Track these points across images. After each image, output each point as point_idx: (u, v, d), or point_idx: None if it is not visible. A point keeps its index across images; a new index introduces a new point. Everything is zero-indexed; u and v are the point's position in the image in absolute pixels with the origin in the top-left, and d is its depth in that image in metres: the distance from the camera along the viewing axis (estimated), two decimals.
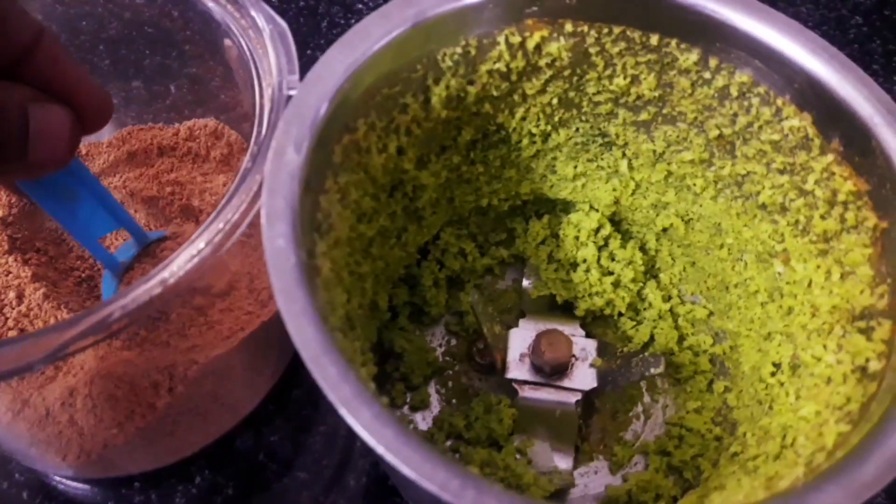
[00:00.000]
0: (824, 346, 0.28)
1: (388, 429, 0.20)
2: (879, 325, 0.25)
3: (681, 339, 0.38)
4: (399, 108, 0.31)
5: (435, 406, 0.36)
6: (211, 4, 0.34)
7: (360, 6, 0.58)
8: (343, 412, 0.20)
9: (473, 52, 0.31)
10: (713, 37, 0.30)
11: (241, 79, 0.34)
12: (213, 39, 0.36)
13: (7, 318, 0.37)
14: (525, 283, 0.39)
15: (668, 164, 0.35)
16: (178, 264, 0.26)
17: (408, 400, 0.36)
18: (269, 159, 0.24)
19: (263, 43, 0.31)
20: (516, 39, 0.31)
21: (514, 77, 0.33)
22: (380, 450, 0.20)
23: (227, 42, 0.34)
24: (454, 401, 0.36)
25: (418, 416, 0.36)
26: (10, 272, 0.39)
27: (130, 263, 0.36)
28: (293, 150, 0.24)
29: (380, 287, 0.34)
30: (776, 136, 0.30)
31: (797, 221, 0.31)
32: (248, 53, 0.32)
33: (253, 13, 0.32)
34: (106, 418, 0.34)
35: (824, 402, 0.26)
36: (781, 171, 0.31)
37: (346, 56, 0.27)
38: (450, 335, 0.38)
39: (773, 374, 0.31)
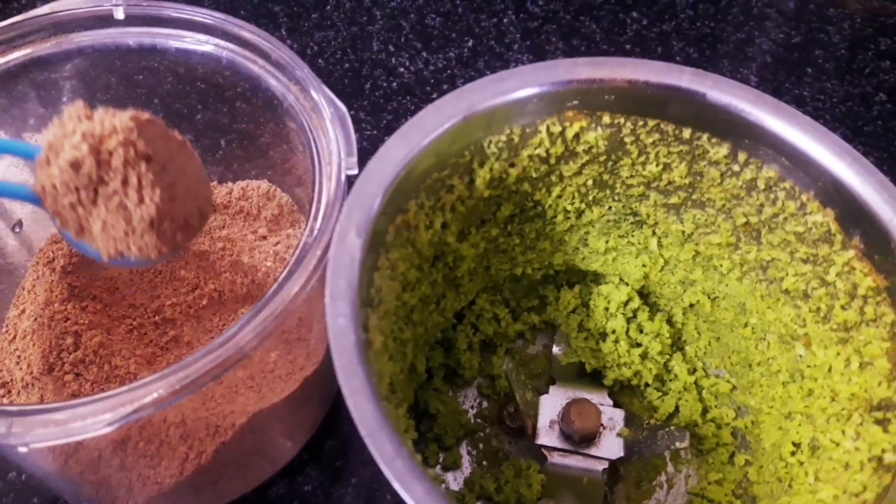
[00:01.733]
0: (843, 432, 0.29)
1: None
2: None
3: (704, 411, 0.39)
4: (446, 189, 0.33)
5: (466, 467, 0.38)
6: (273, 83, 0.37)
7: (402, 70, 0.61)
8: (398, 487, 0.22)
9: (517, 139, 0.33)
10: (743, 134, 0.32)
11: (300, 151, 0.37)
12: (277, 116, 0.39)
13: (64, 363, 0.39)
14: (555, 349, 0.41)
15: (697, 244, 0.37)
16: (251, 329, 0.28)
17: (440, 460, 0.38)
18: (333, 242, 0.26)
19: (324, 125, 0.34)
20: (557, 129, 0.33)
21: (552, 161, 0.35)
22: None
23: (290, 123, 0.37)
24: (485, 463, 0.38)
25: (450, 476, 0.38)
26: (68, 318, 0.41)
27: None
28: (354, 235, 0.27)
29: (419, 351, 0.36)
30: (800, 228, 0.32)
31: (819, 308, 0.32)
32: (309, 134, 0.35)
33: (315, 95, 0.35)
34: (156, 465, 0.36)
35: (842, 487, 0.28)
36: (805, 261, 0.32)
37: (402, 146, 0.29)
38: (482, 398, 0.40)
39: (792, 454, 0.32)
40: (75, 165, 0.28)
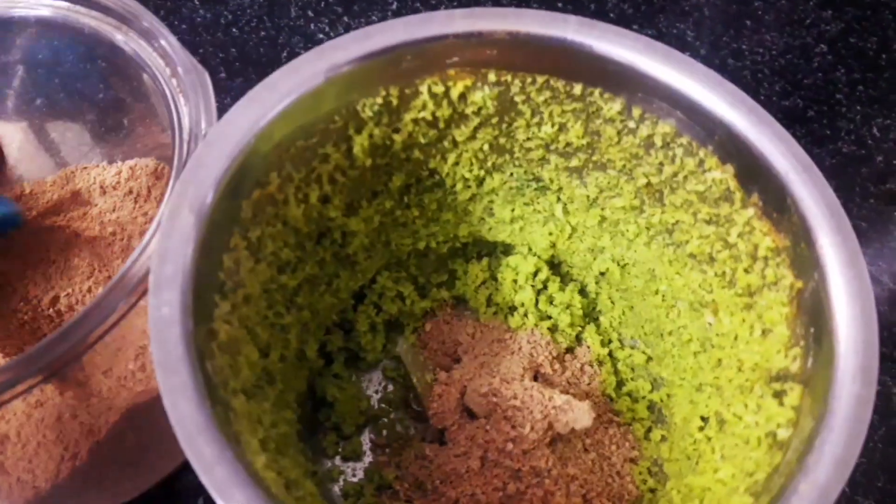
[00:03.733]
0: (745, 405, 0.27)
1: None
2: (791, 390, 0.25)
3: (619, 384, 0.37)
4: (319, 159, 0.30)
5: (368, 456, 0.35)
6: (134, 47, 0.34)
7: (322, 36, 0.58)
8: (214, 495, 0.19)
9: (395, 101, 0.30)
10: (635, 87, 0.29)
11: (164, 123, 0.34)
12: (144, 87, 0.36)
13: None
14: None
15: (602, 209, 0.34)
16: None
17: (340, 450, 0.35)
18: (161, 223, 0.24)
19: (186, 91, 0.31)
20: (440, 89, 0.31)
21: (441, 125, 0.32)
22: None
23: (148, 81, 0.34)
24: (388, 450, 0.36)
25: (349, 467, 0.35)
26: None
27: None
28: (188, 212, 0.24)
29: (308, 335, 0.34)
30: (700, 187, 0.30)
31: (724, 273, 0.30)
32: (171, 102, 0.32)
33: (174, 57, 0.32)
34: (34, 468, 0.33)
35: (739, 465, 0.26)
36: (707, 222, 0.30)
37: (251, 112, 0.26)
38: (387, 381, 0.38)
39: (700, 429, 0.30)
40: None
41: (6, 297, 0.42)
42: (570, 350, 0.37)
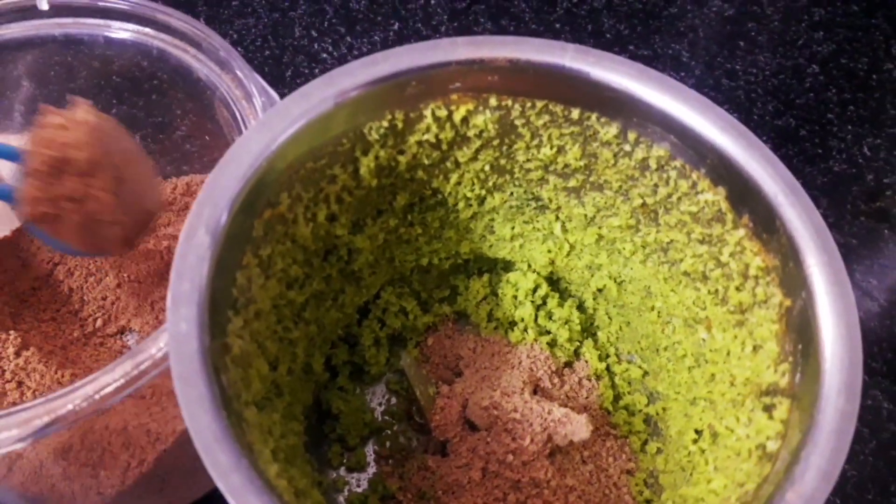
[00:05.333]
0: (737, 418, 0.28)
1: None
2: (780, 404, 0.26)
3: (617, 398, 0.38)
4: (327, 179, 0.31)
5: (372, 467, 0.36)
6: (205, 72, 0.36)
7: (325, 55, 0.59)
8: (231, 500, 0.20)
9: (401, 125, 0.32)
10: (630, 112, 0.31)
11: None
12: (212, 108, 0.37)
13: (4, 371, 0.38)
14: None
15: (599, 228, 0.36)
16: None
17: (344, 461, 0.36)
18: (179, 243, 0.25)
19: (256, 115, 0.33)
20: (443, 113, 0.32)
21: (444, 147, 0.33)
22: None
23: (224, 113, 0.35)
24: (391, 461, 0.37)
25: (355, 477, 0.36)
26: (9, 326, 0.40)
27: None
28: (204, 232, 0.25)
29: (315, 349, 0.35)
30: (694, 208, 0.31)
31: (717, 291, 0.31)
32: (242, 125, 0.33)
33: (246, 84, 0.33)
34: (98, 475, 0.34)
35: (731, 476, 0.27)
36: (701, 242, 0.31)
37: (263, 137, 0.28)
38: (390, 394, 0.39)
39: (694, 441, 0.31)
40: (51, 174, 0.31)
41: (67, 312, 0.43)
42: (568, 364, 0.39)
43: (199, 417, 0.22)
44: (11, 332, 0.39)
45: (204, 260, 0.25)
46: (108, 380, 0.26)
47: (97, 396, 0.26)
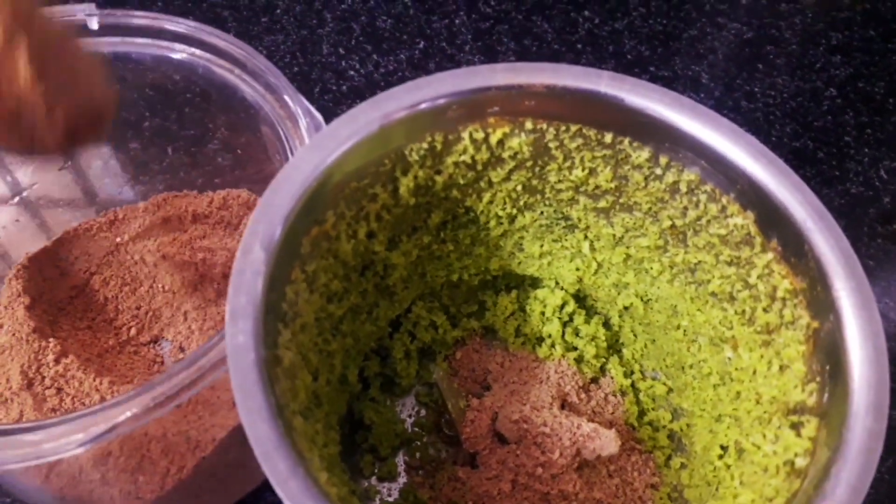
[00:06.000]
0: (763, 435, 0.29)
1: None
2: (808, 423, 0.27)
3: (641, 413, 0.39)
4: (368, 198, 0.33)
5: (402, 477, 0.37)
6: (249, 91, 0.37)
7: (352, 73, 0.61)
8: None
9: (439, 146, 0.33)
10: (663, 137, 0.32)
11: (277, 161, 0.37)
12: (254, 124, 0.39)
13: (44, 378, 0.39)
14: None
15: (627, 247, 0.37)
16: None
17: (376, 470, 0.37)
18: (236, 258, 0.26)
19: (300, 134, 0.34)
20: (480, 135, 0.33)
21: (479, 167, 0.35)
22: None
23: (267, 131, 0.37)
24: (421, 472, 0.38)
25: (386, 487, 0.37)
26: (48, 333, 0.41)
27: None
28: (259, 248, 0.26)
29: (350, 361, 0.36)
30: (723, 231, 0.32)
31: (744, 311, 0.32)
32: (286, 143, 0.35)
33: (290, 104, 0.35)
34: (137, 480, 0.35)
35: (759, 491, 0.28)
36: (729, 263, 0.32)
37: (313, 157, 0.29)
38: (420, 406, 0.40)
39: (720, 457, 0.32)
40: None
41: (102, 319, 0.44)
42: (594, 380, 0.40)
43: (258, 426, 0.23)
44: (51, 339, 0.40)
45: (259, 275, 0.26)
46: (163, 389, 0.27)
47: (153, 404, 0.27)
